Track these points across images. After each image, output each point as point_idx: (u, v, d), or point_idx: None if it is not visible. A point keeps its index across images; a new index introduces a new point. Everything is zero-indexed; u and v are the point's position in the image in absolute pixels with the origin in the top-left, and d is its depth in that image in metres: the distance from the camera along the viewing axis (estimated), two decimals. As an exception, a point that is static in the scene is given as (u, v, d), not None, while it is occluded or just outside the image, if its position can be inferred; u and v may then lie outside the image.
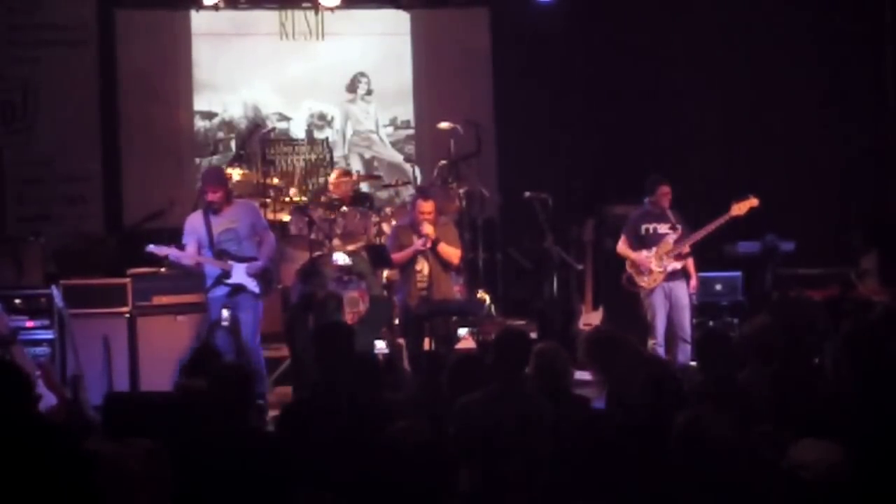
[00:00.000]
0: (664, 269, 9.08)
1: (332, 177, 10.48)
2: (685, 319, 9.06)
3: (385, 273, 9.49)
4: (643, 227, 9.24)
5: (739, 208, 9.02)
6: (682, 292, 9.13)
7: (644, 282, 9.13)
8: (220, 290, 8.32)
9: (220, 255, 8.31)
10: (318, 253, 9.87)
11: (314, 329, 8.01)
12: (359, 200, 10.59)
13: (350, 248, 10.15)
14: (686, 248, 9.13)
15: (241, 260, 8.31)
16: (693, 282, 9.22)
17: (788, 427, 4.24)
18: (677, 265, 9.11)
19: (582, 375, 6.04)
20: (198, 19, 12.00)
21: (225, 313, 8.31)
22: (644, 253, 9.14)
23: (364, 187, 11.45)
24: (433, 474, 3.76)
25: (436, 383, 5.58)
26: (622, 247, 9.31)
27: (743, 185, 9.15)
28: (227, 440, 4.52)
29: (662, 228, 9.17)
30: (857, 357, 5.12)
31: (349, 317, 8.84)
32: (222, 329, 8.29)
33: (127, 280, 9.03)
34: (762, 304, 9.57)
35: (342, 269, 9.58)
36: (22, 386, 4.70)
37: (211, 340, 8.04)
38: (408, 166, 12.14)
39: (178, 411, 4.76)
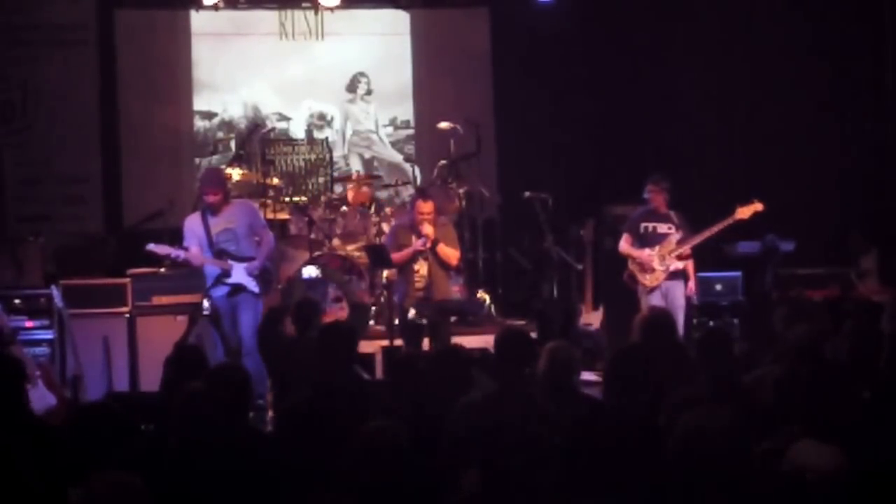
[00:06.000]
0: (666, 269, 9.10)
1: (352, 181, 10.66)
2: (679, 320, 9.06)
3: (385, 273, 9.49)
4: (643, 225, 9.27)
5: (743, 212, 9.05)
6: (679, 292, 9.14)
7: (646, 280, 9.14)
8: (220, 290, 8.32)
9: (220, 255, 8.31)
10: (317, 253, 9.90)
11: (319, 330, 7.98)
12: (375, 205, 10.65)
13: (350, 247, 10.17)
14: (687, 250, 9.14)
15: (240, 260, 8.31)
16: (691, 284, 9.23)
17: (796, 428, 4.22)
18: (679, 265, 9.13)
19: (587, 376, 6.07)
20: (197, 19, 11.99)
21: (206, 303, 8.31)
22: (647, 251, 9.15)
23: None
24: (409, 474, 3.75)
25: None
26: (624, 245, 9.31)
27: (743, 186, 9.17)
28: (227, 441, 4.51)
29: (662, 228, 9.20)
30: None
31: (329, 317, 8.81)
32: (205, 319, 8.30)
33: (127, 280, 9.04)
34: (763, 304, 9.58)
35: (342, 268, 9.61)
36: (16, 377, 4.72)
37: (193, 332, 8.04)
38: (408, 166, 12.13)
39: (176, 412, 4.74)
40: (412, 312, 8.54)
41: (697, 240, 9.13)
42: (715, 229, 9.10)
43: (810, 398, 4.39)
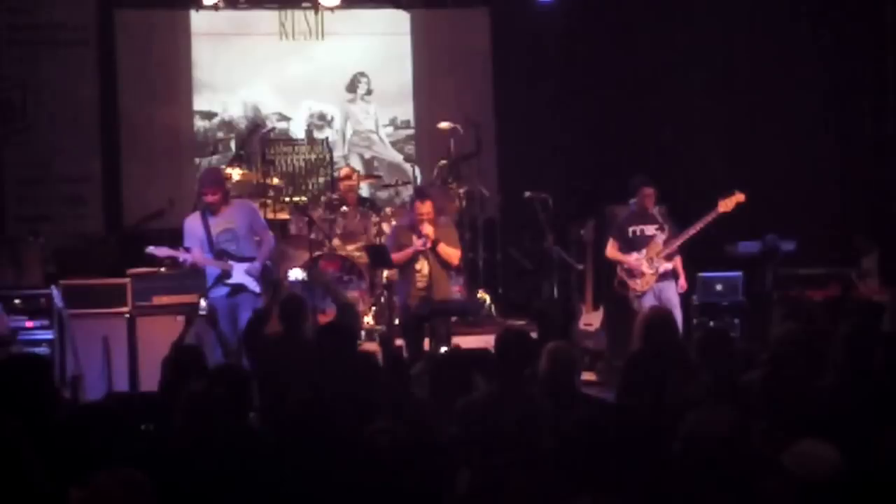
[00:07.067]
0: (656, 271, 9.06)
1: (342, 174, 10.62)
2: (677, 319, 9.03)
3: (385, 273, 9.49)
4: (630, 229, 9.23)
5: (726, 205, 9.00)
6: (672, 292, 9.10)
7: (637, 285, 9.10)
8: (221, 290, 8.31)
9: (220, 255, 8.31)
10: (317, 253, 9.89)
11: (317, 330, 7.99)
12: (360, 202, 10.62)
13: (350, 247, 10.17)
14: (675, 248, 9.11)
15: (240, 260, 8.31)
16: (682, 281, 9.18)
17: (786, 427, 4.23)
18: (668, 266, 9.09)
19: (587, 376, 6.07)
20: (197, 19, 11.99)
21: (203, 303, 8.30)
22: (635, 255, 9.11)
23: (364, 188, 11.46)
24: (410, 475, 3.75)
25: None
26: (611, 251, 9.28)
27: (743, 185, 9.13)
28: (227, 441, 4.51)
29: (649, 230, 9.16)
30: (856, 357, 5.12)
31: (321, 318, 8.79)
32: (201, 320, 8.30)
33: (127, 280, 9.04)
34: (763, 304, 9.57)
35: (342, 268, 9.60)
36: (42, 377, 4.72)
37: (190, 332, 8.04)
38: (408, 166, 12.13)
39: (176, 412, 4.74)
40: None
41: (683, 238, 9.09)
42: (700, 225, 9.05)
43: (792, 397, 4.40)
